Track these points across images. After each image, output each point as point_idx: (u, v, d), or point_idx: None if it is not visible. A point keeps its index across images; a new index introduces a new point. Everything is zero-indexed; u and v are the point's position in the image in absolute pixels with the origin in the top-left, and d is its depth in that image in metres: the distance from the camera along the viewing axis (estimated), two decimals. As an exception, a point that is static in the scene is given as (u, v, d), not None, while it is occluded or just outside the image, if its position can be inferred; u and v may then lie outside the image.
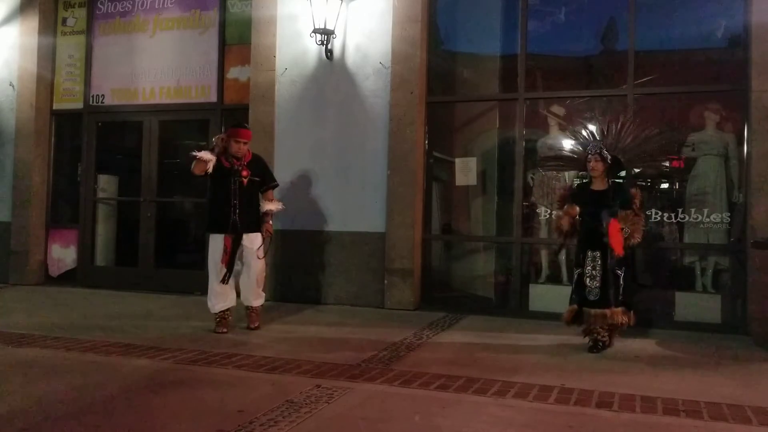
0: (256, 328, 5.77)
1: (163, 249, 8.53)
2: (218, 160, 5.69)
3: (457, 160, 7.58)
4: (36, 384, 4.03)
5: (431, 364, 4.66)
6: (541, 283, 7.03)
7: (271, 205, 5.86)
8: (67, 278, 8.68)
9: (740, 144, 6.38)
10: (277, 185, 6.10)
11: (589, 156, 5.21)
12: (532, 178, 7.14)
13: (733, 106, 6.49)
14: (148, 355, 4.80)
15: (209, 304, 5.71)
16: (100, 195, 8.81)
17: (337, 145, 7.30)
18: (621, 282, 5.08)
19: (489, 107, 7.89)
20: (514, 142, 7.04)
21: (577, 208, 5.24)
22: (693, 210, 6.45)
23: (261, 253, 5.76)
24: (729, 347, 5.49)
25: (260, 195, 5.89)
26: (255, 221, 5.79)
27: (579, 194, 5.36)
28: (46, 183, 8.82)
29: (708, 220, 6.42)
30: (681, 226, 6.55)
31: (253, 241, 5.75)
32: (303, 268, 7.35)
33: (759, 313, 5.62)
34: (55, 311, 6.72)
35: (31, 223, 8.62)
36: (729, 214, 6.41)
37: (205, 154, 5.48)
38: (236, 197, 5.64)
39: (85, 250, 8.65)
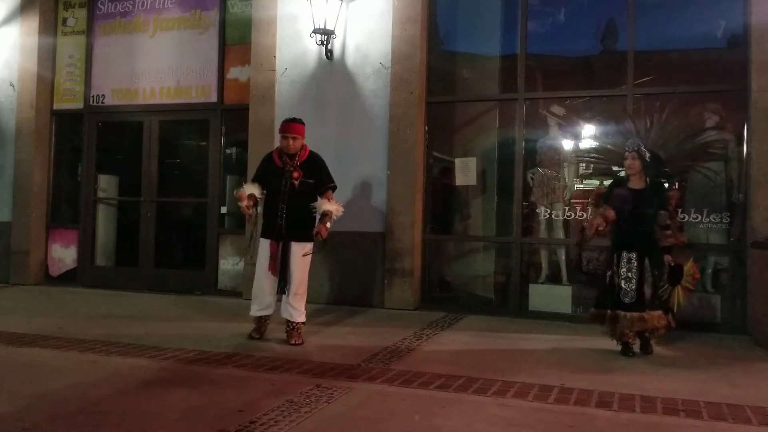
0: (296, 345, 5.19)
1: (163, 249, 8.53)
2: (272, 159, 5.35)
3: (457, 160, 7.58)
4: (36, 384, 4.03)
5: (431, 363, 4.66)
6: (541, 283, 7.04)
7: (329, 205, 5.23)
8: (67, 278, 8.68)
9: (740, 144, 6.38)
10: (334, 187, 5.44)
11: (626, 153, 5.02)
12: (531, 178, 7.14)
13: (733, 106, 6.49)
14: (148, 355, 4.80)
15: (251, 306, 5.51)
16: (101, 195, 8.81)
17: (337, 145, 7.28)
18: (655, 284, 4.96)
19: (489, 107, 7.89)
20: (514, 142, 7.04)
21: (614, 213, 4.95)
22: (693, 210, 6.45)
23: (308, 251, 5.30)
24: (729, 347, 5.51)
25: (318, 197, 5.30)
26: (305, 228, 5.25)
27: (614, 193, 5.10)
28: (46, 183, 8.82)
29: (708, 220, 6.42)
30: (681, 225, 6.55)
31: (300, 250, 5.26)
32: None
33: (759, 313, 5.63)
34: (55, 311, 6.71)
35: (32, 223, 8.62)
36: (729, 214, 6.41)
37: (245, 212, 5.19)
38: (284, 201, 5.21)
39: (86, 250, 8.65)
